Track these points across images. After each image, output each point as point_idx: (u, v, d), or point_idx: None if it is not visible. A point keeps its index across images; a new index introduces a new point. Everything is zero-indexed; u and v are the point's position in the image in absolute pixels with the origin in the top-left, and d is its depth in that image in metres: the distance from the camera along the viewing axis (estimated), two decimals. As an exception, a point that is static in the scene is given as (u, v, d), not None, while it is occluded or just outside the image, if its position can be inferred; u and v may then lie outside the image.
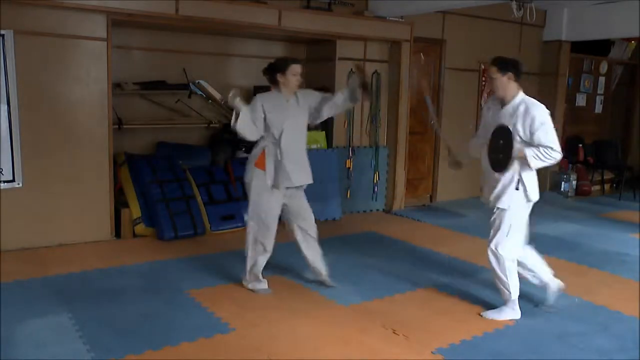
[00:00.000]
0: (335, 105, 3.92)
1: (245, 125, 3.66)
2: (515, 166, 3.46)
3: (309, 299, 3.82)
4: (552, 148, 3.37)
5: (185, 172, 5.50)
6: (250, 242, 3.87)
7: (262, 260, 3.91)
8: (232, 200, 5.56)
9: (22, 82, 4.49)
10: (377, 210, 6.68)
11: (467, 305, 3.79)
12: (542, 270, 3.74)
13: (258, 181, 3.76)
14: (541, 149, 3.37)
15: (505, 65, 3.46)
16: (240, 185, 5.69)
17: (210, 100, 5.87)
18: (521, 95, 3.51)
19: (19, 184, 4.56)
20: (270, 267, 4.38)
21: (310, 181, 3.95)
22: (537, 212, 7.06)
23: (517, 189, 3.50)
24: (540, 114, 3.39)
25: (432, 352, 3.09)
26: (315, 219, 5.79)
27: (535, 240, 5.56)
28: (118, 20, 4.83)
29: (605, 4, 7.25)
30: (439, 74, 7.14)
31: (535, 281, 3.76)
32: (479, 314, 3.64)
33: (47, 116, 4.64)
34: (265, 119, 3.73)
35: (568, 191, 8.10)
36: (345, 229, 5.76)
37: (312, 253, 4.01)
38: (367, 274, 4.37)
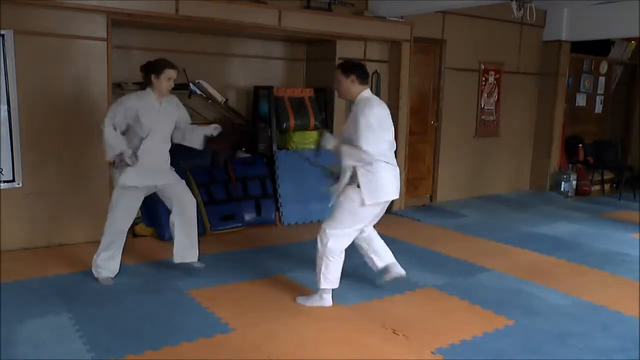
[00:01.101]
0: (184, 138, 4.08)
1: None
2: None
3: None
4: (360, 147, 3.45)
5: (185, 172, 5.49)
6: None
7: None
8: (232, 200, 5.56)
9: (22, 82, 4.48)
10: (377, 210, 6.67)
11: (467, 305, 3.79)
12: (385, 255, 3.93)
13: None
14: (354, 147, 3.48)
15: (347, 68, 3.63)
16: (240, 185, 5.70)
17: (210, 100, 5.87)
18: (362, 95, 3.62)
19: (19, 184, 4.56)
20: (271, 267, 4.39)
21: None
22: (537, 212, 7.12)
23: (358, 186, 3.58)
24: (364, 114, 3.48)
25: (432, 352, 3.09)
26: (315, 219, 5.82)
27: (536, 240, 5.59)
28: (118, 20, 4.83)
29: (605, 4, 7.25)
30: (439, 74, 7.14)
31: (378, 265, 3.95)
32: (294, 300, 3.73)
33: (47, 116, 4.64)
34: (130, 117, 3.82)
35: (568, 191, 8.10)
36: (345, 229, 5.76)
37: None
38: (367, 274, 4.36)
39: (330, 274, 3.65)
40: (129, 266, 4.35)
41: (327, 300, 3.69)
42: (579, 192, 8.28)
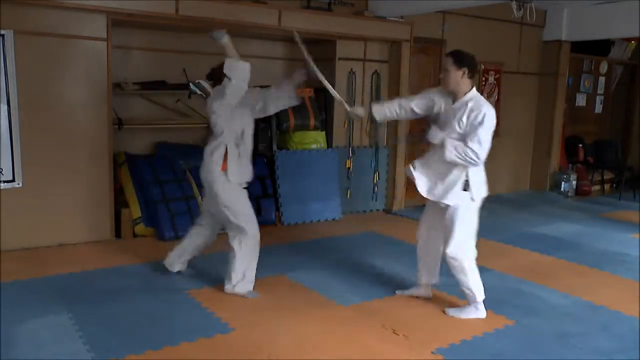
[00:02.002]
0: (277, 105, 3.99)
1: None
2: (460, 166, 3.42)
3: (308, 299, 3.82)
4: (472, 150, 3.33)
5: (185, 172, 5.50)
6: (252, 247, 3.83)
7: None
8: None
9: (22, 82, 4.48)
10: (377, 210, 6.68)
11: (467, 305, 3.78)
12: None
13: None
14: (465, 146, 3.34)
15: (461, 59, 3.41)
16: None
17: (206, 97, 5.87)
18: (473, 93, 3.45)
19: (19, 184, 4.56)
20: (271, 267, 4.38)
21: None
22: (537, 212, 7.11)
23: (464, 189, 3.45)
24: (485, 116, 3.35)
25: (432, 352, 3.09)
26: (315, 219, 5.81)
27: (536, 240, 5.59)
28: (118, 20, 4.83)
29: (605, 4, 7.25)
30: (439, 74, 7.12)
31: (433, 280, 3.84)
32: (443, 311, 3.64)
33: (47, 116, 4.64)
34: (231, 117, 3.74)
35: (568, 191, 8.10)
36: (345, 229, 5.76)
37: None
38: (367, 274, 4.36)
39: (480, 283, 3.56)
40: (129, 266, 4.35)
41: (482, 310, 3.57)
42: (579, 192, 8.28)
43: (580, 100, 8.96)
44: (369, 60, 6.42)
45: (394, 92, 6.52)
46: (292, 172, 5.92)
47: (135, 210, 5.12)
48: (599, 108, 9.29)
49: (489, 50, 7.53)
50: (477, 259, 4.81)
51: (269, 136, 5.96)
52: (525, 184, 8.46)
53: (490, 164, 8.23)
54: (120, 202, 5.14)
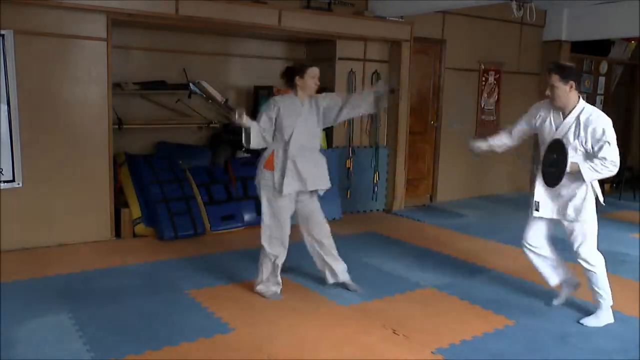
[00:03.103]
0: (356, 107, 3.88)
1: (257, 142, 3.65)
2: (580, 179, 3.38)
3: (309, 299, 3.82)
4: (607, 159, 3.28)
5: (185, 172, 5.50)
6: (267, 240, 3.82)
7: (282, 257, 3.85)
8: (232, 200, 5.56)
9: (22, 82, 4.49)
10: (377, 210, 6.68)
11: (467, 305, 3.79)
12: (561, 269, 3.77)
13: (267, 182, 3.73)
14: (597, 160, 3.29)
15: (567, 73, 3.37)
16: (240, 185, 5.70)
17: (210, 100, 5.88)
18: (582, 103, 3.45)
19: (19, 184, 4.56)
20: (270, 267, 4.39)
21: (327, 185, 3.88)
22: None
23: (603, 203, 3.52)
24: (604, 124, 3.34)
25: (432, 352, 3.09)
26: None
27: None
28: (118, 20, 4.83)
29: (605, 4, 7.25)
30: (439, 74, 7.14)
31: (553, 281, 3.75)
32: (578, 322, 3.55)
33: (47, 116, 4.64)
34: (276, 122, 3.69)
35: (568, 191, 8.09)
36: (345, 229, 5.76)
37: (324, 258, 3.96)
38: (367, 274, 4.36)
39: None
40: (129, 266, 4.35)
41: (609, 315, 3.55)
42: (579, 192, 8.26)
43: (580, 100, 8.95)
44: (369, 60, 6.42)
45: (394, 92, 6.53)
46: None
47: (135, 210, 5.12)
48: (598, 108, 9.27)
49: (489, 50, 7.53)
50: (477, 259, 4.83)
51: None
52: (525, 184, 8.44)
53: (491, 164, 8.30)
54: (120, 202, 5.14)
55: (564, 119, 3.50)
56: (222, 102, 5.91)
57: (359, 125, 6.42)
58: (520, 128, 3.83)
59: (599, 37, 8.05)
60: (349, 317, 3.55)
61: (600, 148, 3.32)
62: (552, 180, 3.48)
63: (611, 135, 3.34)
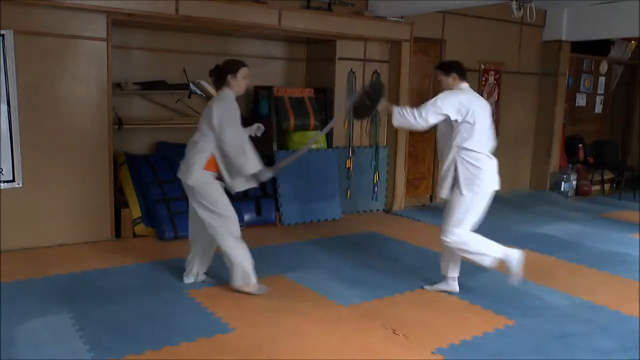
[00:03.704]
0: None
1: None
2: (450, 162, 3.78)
3: (309, 299, 3.82)
4: (420, 111, 3.71)
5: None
6: (232, 242, 3.81)
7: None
8: (232, 200, 5.52)
9: (22, 82, 4.48)
10: (377, 210, 6.68)
11: (467, 305, 3.79)
12: (492, 249, 3.86)
13: (213, 182, 3.78)
14: (413, 108, 3.74)
15: (447, 67, 3.87)
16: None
17: (209, 100, 5.87)
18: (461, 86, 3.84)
19: (19, 184, 4.56)
20: (271, 267, 4.39)
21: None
22: (537, 212, 7.10)
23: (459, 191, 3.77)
24: (443, 94, 3.79)
25: (432, 352, 3.09)
26: (315, 219, 5.81)
27: (536, 240, 5.59)
28: (118, 20, 4.83)
29: (605, 4, 7.25)
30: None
31: (487, 262, 3.88)
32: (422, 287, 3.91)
33: (47, 116, 4.64)
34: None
35: (568, 191, 8.10)
36: (345, 229, 5.76)
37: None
38: (367, 274, 4.36)
39: (485, 246, 3.81)
40: (129, 266, 4.35)
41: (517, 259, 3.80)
42: (579, 192, 8.28)
43: (580, 100, 8.96)
44: (369, 60, 6.42)
45: (394, 92, 6.53)
46: (292, 172, 5.91)
47: (135, 210, 5.12)
48: (599, 108, 9.29)
49: (489, 50, 7.53)
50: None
51: (269, 136, 5.95)
52: (525, 184, 8.46)
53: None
54: (120, 202, 5.14)
55: None
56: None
57: (359, 125, 6.43)
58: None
59: (599, 37, 8.05)
60: (349, 317, 3.55)
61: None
62: (360, 112, 4.03)
63: (440, 97, 3.75)
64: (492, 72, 7.64)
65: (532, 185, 8.42)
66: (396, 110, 3.80)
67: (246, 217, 5.57)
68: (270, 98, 5.89)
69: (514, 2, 5.31)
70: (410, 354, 3.08)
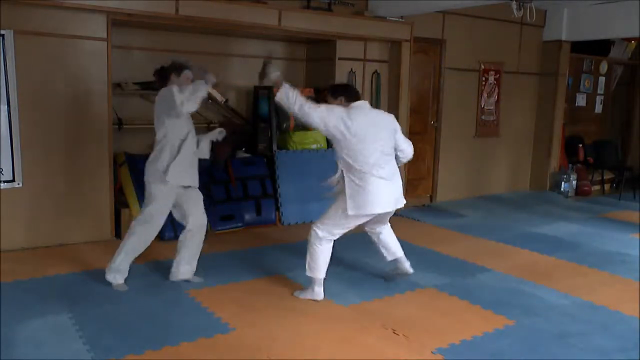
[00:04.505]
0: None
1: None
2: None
3: (308, 299, 3.81)
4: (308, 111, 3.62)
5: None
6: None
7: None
8: (232, 200, 5.56)
9: (22, 82, 4.49)
10: (377, 210, 6.67)
11: (467, 305, 3.79)
12: (395, 250, 4.11)
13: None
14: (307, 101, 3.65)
15: (335, 91, 3.83)
16: (240, 185, 5.70)
17: (210, 100, 5.86)
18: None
19: (19, 184, 4.56)
20: (271, 267, 4.39)
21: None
22: (537, 212, 7.11)
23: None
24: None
25: (432, 352, 3.09)
26: (315, 219, 5.74)
27: (536, 240, 5.59)
28: (118, 20, 4.83)
29: (605, 4, 7.26)
30: (439, 74, 7.14)
31: (387, 258, 4.13)
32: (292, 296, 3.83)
33: (47, 116, 4.64)
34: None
35: (568, 191, 8.10)
36: (345, 229, 5.76)
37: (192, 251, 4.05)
38: (367, 273, 4.37)
39: (316, 261, 3.78)
40: (129, 266, 4.34)
41: (318, 292, 3.78)
42: (579, 192, 8.28)
43: (580, 100, 8.96)
44: (369, 60, 6.42)
45: (394, 92, 6.54)
46: (292, 172, 5.92)
47: (135, 210, 5.11)
48: (599, 108, 9.29)
49: (489, 50, 7.53)
50: (477, 259, 4.83)
51: (269, 136, 5.96)
52: (525, 184, 8.46)
53: (491, 164, 8.31)
54: (120, 202, 5.14)
55: None
56: (222, 102, 5.90)
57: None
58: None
59: (599, 37, 8.05)
60: (349, 317, 3.55)
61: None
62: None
63: (328, 107, 3.68)
64: (492, 72, 7.64)
65: (532, 185, 8.42)
66: (286, 87, 3.67)
67: (246, 217, 5.58)
68: (270, 98, 5.88)
69: (514, 2, 5.31)
70: (410, 354, 3.08)
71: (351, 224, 3.82)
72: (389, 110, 6.56)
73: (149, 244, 3.91)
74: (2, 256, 4.39)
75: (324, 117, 3.62)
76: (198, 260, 4.09)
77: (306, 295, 3.79)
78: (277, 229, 5.67)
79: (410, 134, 6.76)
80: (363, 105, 3.77)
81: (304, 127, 5.98)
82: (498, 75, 7.71)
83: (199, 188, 3.99)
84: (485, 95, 7.64)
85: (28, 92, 4.53)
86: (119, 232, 5.09)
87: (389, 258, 4.17)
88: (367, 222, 3.93)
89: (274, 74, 3.76)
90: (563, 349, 3.20)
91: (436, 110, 7.21)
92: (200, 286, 3.95)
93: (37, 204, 4.66)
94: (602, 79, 9.18)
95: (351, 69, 6.26)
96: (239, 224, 5.49)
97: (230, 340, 3.16)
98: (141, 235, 3.85)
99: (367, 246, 5.18)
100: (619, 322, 3.59)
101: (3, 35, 4.36)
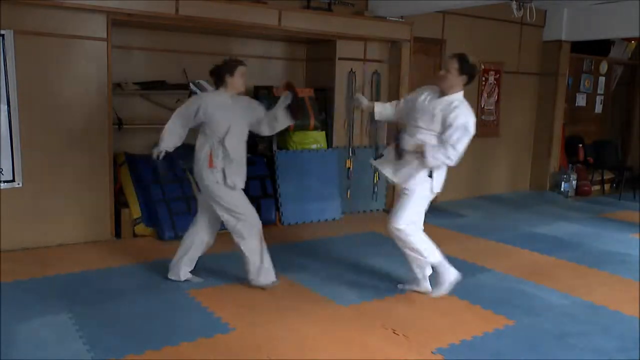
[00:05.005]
0: (274, 123, 3.99)
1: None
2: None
3: (309, 299, 3.82)
4: (449, 157, 3.55)
5: (185, 172, 5.49)
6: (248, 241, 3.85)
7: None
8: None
9: (22, 82, 4.48)
10: (377, 210, 6.68)
11: (467, 305, 3.79)
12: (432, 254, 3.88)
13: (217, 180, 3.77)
14: (447, 146, 3.53)
15: (465, 67, 3.59)
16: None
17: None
18: (460, 95, 3.65)
19: (18, 184, 4.56)
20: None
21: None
22: (537, 212, 7.11)
23: (430, 176, 3.74)
24: (466, 116, 3.55)
25: (432, 352, 3.09)
26: (315, 219, 5.77)
27: (536, 240, 5.59)
28: (118, 20, 4.83)
29: (605, 4, 7.25)
30: (439, 71, 7.12)
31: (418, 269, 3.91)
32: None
33: (47, 116, 4.64)
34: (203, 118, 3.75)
35: (568, 191, 8.10)
36: (345, 229, 5.76)
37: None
38: (367, 274, 4.37)
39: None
40: (129, 266, 4.35)
41: (452, 270, 3.82)
42: (579, 192, 8.28)
43: (580, 100, 8.96)
44: (369, 60, 6.42)
45: (394, 92, 6.53)
46: (292, 172, 5.92)
47: (135, 210, 5.12)
48: (599, 108, 9.29)
49: (489, 50, 7.53)
50: (477, 259, 4.83)
51: (269, 136, 5.95)
52: (525, 184, 8.46)
53: (491, 164, 8.30)
54: (120, 202, 5.14)
55: (438, 98, 3.69)
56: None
57: (359, 125, 6.42)
58: (403, 105, 3.97)
59: (599, 37, 8.06)
60: (349, 317, 3.55)
61: (450, 142, 3.55)
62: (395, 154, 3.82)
63: (462, 133, 3.53)
64: (492, 72, 7.64)
65: (532, 185, 8.42)
66: (431, 151, 3.60)
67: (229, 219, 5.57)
68: (270, 98, 5.88)
69: (514, 2, 5.31)
70: (410, 354, 3.08)
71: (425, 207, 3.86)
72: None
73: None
74: (2, 256, 4.38)
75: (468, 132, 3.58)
76: (198, 259, 4.09)
77: (445, 282, 3.80)
78: (277, 229, 5.67)
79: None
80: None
81: (303, 127, 5.99)
82: (498, 75, 7.71)
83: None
84: (485, 95, 7.64)
85: (28, 92, 4.52)
86: (119, 232, 5.09)
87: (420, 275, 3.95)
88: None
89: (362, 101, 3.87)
90: (563, 349, 3.20)
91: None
92: (200, 286, 3.95)
93: (37, 204, 4.66)
94: (602, 79, 9.18)
95: (351, 69, 6.26)
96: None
97: (230, 340, 3.16)
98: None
99: (367, 246, 5.19)
100: (619, 322, 3.59)
101: (3, 35, 4.36)
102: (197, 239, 3.98)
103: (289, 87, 4.00)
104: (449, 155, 3.56)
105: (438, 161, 3.59)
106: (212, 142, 3.75)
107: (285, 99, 3.96)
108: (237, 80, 3.80)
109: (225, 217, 3.81)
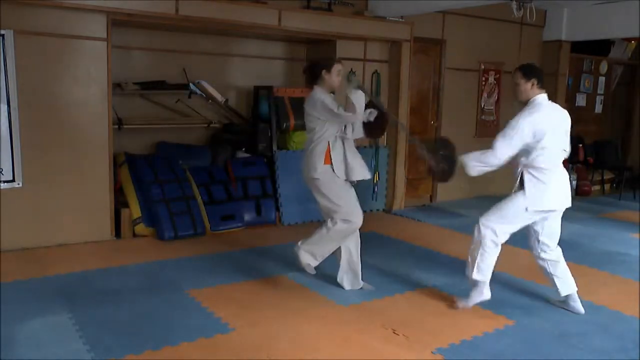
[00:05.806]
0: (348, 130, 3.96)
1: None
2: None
3: (309, 299, 3.82)
4: (492, 150, 3.60)
5: (185, 172, 5.50)
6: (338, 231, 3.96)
7: None
8: (232, 200, 5.56)
9: (22, 82, 4.48)
10: (377, 210, 6.68)
11: (467, 305, 3.79)
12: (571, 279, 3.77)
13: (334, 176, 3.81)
14: (485, 152, 3.60)
15: (530, 72, 3.61)
16: (240, 185, 5.70)
17: (210, 100, 5.88)
18: (535, 98, 3.66)
19: (18, 184, 4.56)
20: (271, 267, 4.39)
21: (369, 176, 4.06)
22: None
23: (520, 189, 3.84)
24: (517, 117, 3.59)
25: (432, 352, 3.09)
26: (315, 219, 5.78)
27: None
28: (118, 20, 4.83)
29: (605, 4, 7.25)
30: (439, 74, 7.14)
31: (563, 292, 3.76)
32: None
33: (47, 116, 4.64)
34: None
35: (568, 191, 8.09)
36: (345, 229, 5.75)
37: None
38: (367, 274, 4.36)
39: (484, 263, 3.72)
40: (129, 266, 4.35)
41: (487, 293, 3.70)
42: (579, 192, 8.27)
43: (580, 100, 8.96)
44: (369, 60, 6.42)
45: (394, 92, 6.53)
46: (292, 172, 5.90)
47: (135, 210, 5.12)
48: (599, 108, 9.29)
49: (489, 50, 7.53)
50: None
51: (269, 136, 5.96)
52: (525, 184, 8.45)
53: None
54: (120, 202, 5.14)
55: None
56: (222, 102, 5.91)
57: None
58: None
59: (599, 37, 8.06)
60: (349, 317, 3.55)
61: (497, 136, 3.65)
62: (444, 176, 3.87)
63: (512, 128, 3.63)
64: (492, 72, 7.64)
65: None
66: (471, 159, 3.69)
67: (246, 217, 5.58)
68: (270, 98, 5.89)
69: (514, 2, 5.31)
70: (410, 354, 3.08)
71: (525, 223, 3.87)
72: (389, 110, 6.57)
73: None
74: (2, 256, 4.38)
75: (513, 144, 3.67)
76: (197, 260, 4.09)
77: (475, 301, 3.68)
78: (277, 229, 5.67)
79: (411, 134, 6.76)
80: (543, 101, 3.70)
81: (303, 127, 5.98)
82: (498, 75, 7.71)
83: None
84: (485, 95, 7.64)
85: (28, 92, 4.52)
86: (118, 232, 5.09)
87: (563, 293, 3.74)
88: (537, 238, 3.96)
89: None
90: (563, 349, 3.20)
91: (436, 110, 7.21)
92: (200, 286, 3.95)
93: (37, 204, 4.66)
94: (602, 79, 9.18)
95: (351, 69, 6.24)
96: (239, 224, 5.49)
97: (230, 340, 3.15)
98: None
99: (367, 246, 5.19)
100: (619, 322, 3.59)
101: (3, 35, 4.36)
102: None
103: (382, 113, 3.98)
104: (486, 158, 3.75)
105: (477, 168, 3.74)
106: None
107: (369, 114, 3.98)
108: (334, 77, 3.83)
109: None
